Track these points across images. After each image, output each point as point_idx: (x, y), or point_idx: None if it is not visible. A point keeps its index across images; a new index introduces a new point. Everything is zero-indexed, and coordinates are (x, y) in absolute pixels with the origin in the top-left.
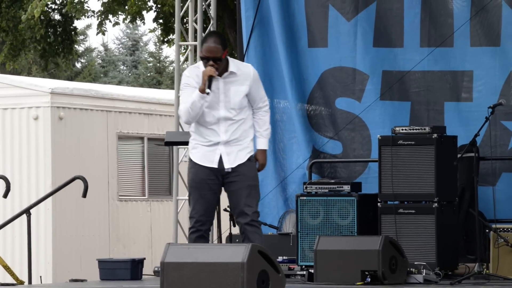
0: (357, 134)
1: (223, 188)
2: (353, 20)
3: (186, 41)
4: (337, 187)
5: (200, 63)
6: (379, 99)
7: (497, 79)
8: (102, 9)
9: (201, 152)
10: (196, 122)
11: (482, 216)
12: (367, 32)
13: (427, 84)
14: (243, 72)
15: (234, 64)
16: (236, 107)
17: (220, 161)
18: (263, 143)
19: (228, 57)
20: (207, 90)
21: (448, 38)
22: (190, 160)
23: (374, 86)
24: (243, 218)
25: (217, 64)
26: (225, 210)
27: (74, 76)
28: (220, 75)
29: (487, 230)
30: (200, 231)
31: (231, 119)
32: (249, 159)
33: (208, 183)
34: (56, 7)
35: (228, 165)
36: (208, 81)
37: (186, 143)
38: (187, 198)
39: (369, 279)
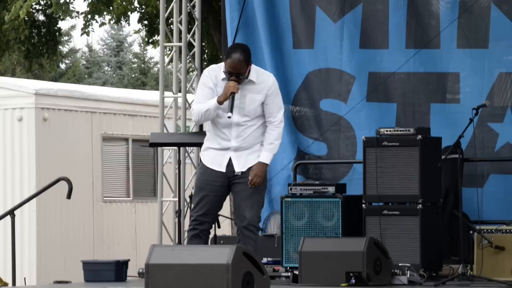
0: (343, 136)
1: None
2: (340, 21)
3: (171, 42)
4: (322, 188)
5: (222, 64)
6: (365, 101)
7: (485, 81)
8: (87, 9)
9: (211, 155)
10: (212, 124)
11: (466, 217)
12: (354, 34)
13: (412, 86)
14: (262, 81)
15: (254, 71)
16: (250, 115)
17: (229, 165)
18: (264, 156)
19: (252, 65)
20: (229, 114)
21: (433, 39)
22: (200, 161)
23: (360, 88)
24: (241, 221)
25: (240, 80)
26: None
27: (58, 77)
28: (239, 82)
29: (471, 232)
30: (195, 230)
31: (243, 125)
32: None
33: (214, 185)
34: (40, 7)
35: (238, 168)
36: (230, 100)
37: (171, 145)
38: (172, 199)
39: (353, 281)
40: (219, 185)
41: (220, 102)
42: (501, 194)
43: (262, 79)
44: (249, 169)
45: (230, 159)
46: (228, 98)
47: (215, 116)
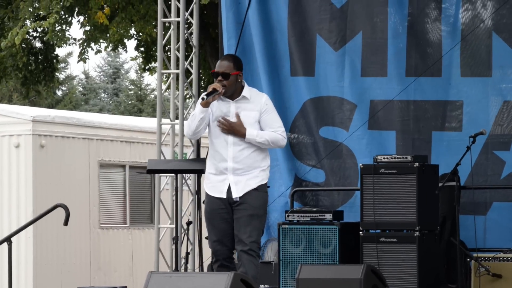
0: (344, 163)
1: None
2: (341, 50)
3: (168, 69)
4: (319, 215)
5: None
6: (367, 128)
7: (489, 109)
8: (84, 37)
9: (212, 182)
10: (210, 146)
11: (463, 245)
12: (355, 62)
13: (413, 114)
14: (255, 99)
15: (248, 90)
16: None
17: (229, 191)
18: (250, 130)
19: (245, 84)
20: (203, 96)
21: (433, 68)
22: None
23: (362, 116)
24: (241, 246)
25: (226, 81)
26: (206, 238)
27: (55, 103)
28: (232, 98)
29: (468, 259)
30: (218, 261)
31: (240, 145)
32: (256, 189)
33: (219, 212)
34: (37, 34)
35: (236, 194)
36: (210, 92)
37: (168, 171)
38: (169, 226)
39: None
40: (224, 211)
41: (202, 105)
42: (504, 222)
43: (256, 96)
44: (247, 193)
45: (229, 185)
46: (210, 95)
47: (200, 121)
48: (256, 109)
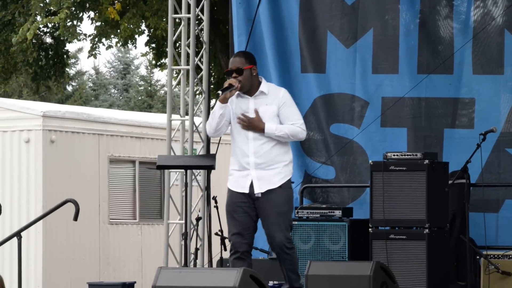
0: (355, 160)
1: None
2: (352, 47)
3: (178, 65)
4: (329, 212)
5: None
6: (379, 126)
7: (501, 107)
8: (95, 32)
9: (235, 178)
10: (232, 143)
11: (472, 242)
12: (366, 59)
13: (424, 111)
14: (273, 93)
15: (266, 85)
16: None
17: (251, 186)
18: (269, 124)
19: (263, 80)
20: (218, 92)
21: (445, 65)
22: (227, 187)
23: (374, 113)
24: (273, 244)
25: (241, 77)
26: (216, 234)
27: (65, 99)
28: (251, 94)
29: (477, 257)
30: (237, 253)
31: (260, 140)
32: (280, 186)
33: (240, 205)
34: (48, 30)
35: (257, 189)
36: (226, 88)
37: (178, 167)
38: (178, 222)
39: None
40: (246, 205)
41: (220, 101)
42: None
43: (274, 91)
44: (271, 191)
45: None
46: (226, 90)
47: (220, 117)
48: (274, 103)
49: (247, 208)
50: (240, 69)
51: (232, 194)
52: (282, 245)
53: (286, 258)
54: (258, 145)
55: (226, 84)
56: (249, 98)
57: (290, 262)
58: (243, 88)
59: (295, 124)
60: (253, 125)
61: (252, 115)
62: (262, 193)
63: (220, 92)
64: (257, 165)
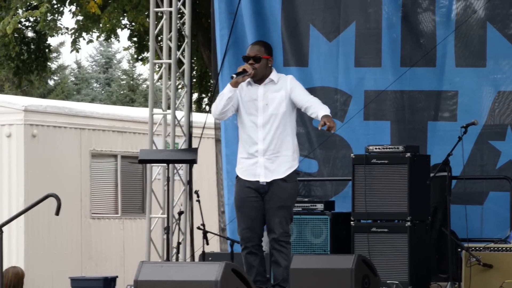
0: (338, 154)
1: None
2: (335, 40)
3: (160, 59)
4: (311, 205)
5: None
6: (362, 119)
7: (484, 99)
8: (76, 26)
9: (244, 166)
10: (240, 131)
11: (454, 235)
12: (349, 52)
13: (408, 104)
14: (281, 80)
15: (275, 74)
16: (274, 113)
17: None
18: (323, 111)
19: (274, 71)
20: (233, 75)
21: (428, 58)
22: (236, 176)
23: (357, 106)
24: (271, 235)
25: (257, 64)
26: (198, 228)
27: (47, 93)
28: (260, 83)
29: (459, 249)
30: (247, 248)
31: (269, 127)
32: (284, 180)
33: (248, 200)
34: (29, 24)
35: (263, 178)
36: (240, 72)
37: (160, 161)
38: (160, 216)
39: None
40: (254, 199)
41: (232, 84)
42: (501, 211)
43: (282, 78)
44: (276, 184)
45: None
46: (240, 75)
47: (228, 100)
48: (283, 88)
49: (255, 202)
50: (259, 57)
51: (240, 188)
52: (279, 239)
53: (282, 251)
54: (267, 132)
55: (240, 69)
56: (258, 86)
57: (285, 256)
58: (256, 76)
59: (315, 100)
60: (331, 124)
61: (261, 102)
62: (268, 183)
63: (234, 75)
64: (265, 152)
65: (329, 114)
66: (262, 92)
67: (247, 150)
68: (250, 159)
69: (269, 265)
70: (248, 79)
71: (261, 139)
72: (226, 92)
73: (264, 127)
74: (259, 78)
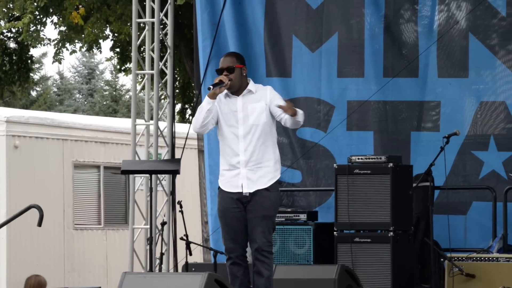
0: (321, 164)
1: None
2: (317, 51)
3: (143, 70)
4: (294, 216)
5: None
6: (345, 130)
7: (467, 110)
8: (58, 37)
9: (226, 178)
10: (220, 143)
11: (437, 245)
12: (331, 63)
13: (390, 114)
14: (260, 91)
15: (253, 85)
16: (255, 123)
17: (243, 186)
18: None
19: (251, 81)
20: (209, 86)
21: (409, 68)
22: (218, 187)
23: (340, 117)
24: (253, 245)
25: (231, 75)
26: (181, 238)
27: (29, 104)
28: (238, 94)
29: (442, 259)
30: (231, 259)
31: (250, 137)
32: (267, 189)
33: (231, 211)
34: (11, 35)
35: (246, 189)
36: (216, 83)
37: (143, 172)
38: (143, 227)
39: None
40: (236, 210)
41: (209, 96)
42: (484, 221)
43: (261, 89)
44: (259, 194)
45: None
46: (216, 86)
47: (207, 113)
48: (263, 99)
49: (237, 213)
50: (232, 67)
51: (223, 199)
52: (261, 249)
53: (265, 261)
54: (247, 143)
55: (216, 80)
56: (237, 98)
57: (268, 266)
58: (233, 87)
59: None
60: (291, 106)
61: (240, 113)
62: (250, 193)
63: (210, 87)
64: (247, 163)
65: (297, 111)
66: (241, 103)
67: (228, 162)
68: (232, 170)
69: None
70: (226, 91)
71: (242, 150)
72: (205, 105)
73: (245, 138)
74: (236, 89)
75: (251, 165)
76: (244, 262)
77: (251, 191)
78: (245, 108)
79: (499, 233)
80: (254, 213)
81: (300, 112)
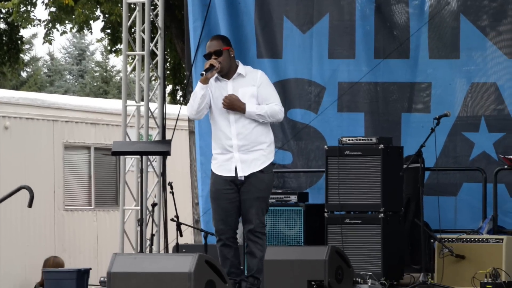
0: (312, 145)
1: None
2: (308, 32)
3: (133, 51)
4: (284, 197)
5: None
6: (336, 111)
7: (458, 91)
8: (49, 18)
9: (219, 162)
10: (213, 127)
11: (427, 226)
12: (322, 44)
13: (381, 96)
14: (251, 75)
15: (243, 68)
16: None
17: (236, 169)
18: (250, 104)
19: (240, 63)
20: (202, 72)
21: (400, 50)
22: (211, 171)
23: (331, 98)
24: (247, 226)
25: (220, 58)
26: (172, 220)
27: (19, 85)
28: (229, 77)
29: (432, 240)
30: (222, 240)
31: (243, 121)
32: (261, 171)
33: (224, 192)
34: (1, 15)
35: (241, 173)
36: (208, 68)
37: (133, 153)
38: (134, 208)
39: None
40: (229, 192)
41: (201, 81)
42: (474, 203)
43: (251, 72)
44: (253, 175)
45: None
46: (208, 71)
47: (201, 98)
48: (253, 84)
49: (230, 194)
50: (219, 50)
51: (216, 180)
52: (255, 230)
53: (258, 242)
54: (240, 127)
55: (207, 65)
56: (227, 81)
57: (261, 247)
58: (223, 70)
59: (272, 103)
60: (235, 105)
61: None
62: (245, 176)
63: (203, 72)
64: (240, 147)
65: (246, 108)
66: (232, 87)
67: (221, 146)
68: (225, 154)
69: (244, 256)
70: (216, 75)
71: (234, 134)
72: (198, 91)
73: (237, 122)
74: (226, 72)
75: (244, 149)
76: (234, 244)
77: (246, 174)
78: (236, 92)
79: (489, 214)
80: (249, 194)
81: (251, 110)
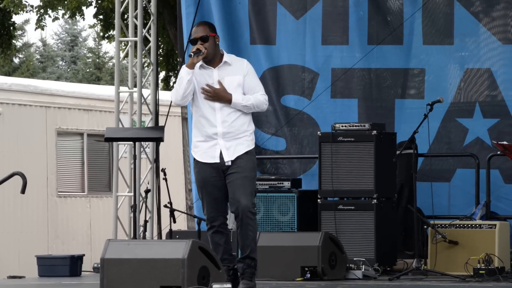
0: (306, 132)
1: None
2: (302, 18)
3: (126, 37)
4: (278, 183)
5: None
6: (330, 97)
7: (452, 77)
8: (41, 4)
9: (202, 149)
10: (195, 114)
11: (420, 212)
12: (316, 30)
13: (375, 82)
14: (237, 64)
15: (228, 56)
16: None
17: (221, 156)
18: (236, 95)
19: (224, 52)
20: (190, 53)
21: (394, 36)
22: (194, 159)
23: (324, 84)
24: (238, 206)
25: (206, 44)
26: (165, 206)
27: (12, 71)
28: (214, 65)
29: (425, 226)
30: (214, 227)
31: (228, 109)
32: (247, 152)
33: (211, 180)
34: None
35: (227, 158)
36: (194, 52)
37: (126, 139)
38: (127, 194)
39: (308, 275)
40: (216, 179)
41: (188, 66)
42: (468, 188)
43: (237, 61)
44: (238, 158)
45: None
46: (195, 55)
47: (187, 84)
48: (239, 73)
49: (217, 182)
50: (206, 36)
51: (200, 169)
52: (247, 210)
53: (250, 223)
54: (225, 115)
55: (194, 49)
56: (213, 69)
57: (252, 228)
58: (209, 56)
59: (258, 92)
60: (220, 95)
61: (216, 86)
62: (232, 161)
63: (191, 54)
64: (225, 135)
65: (232, 99)
66: (217, 75)
67: (204, 133)
68: (208, 141)
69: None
70: (201, 62)
71: (220, 122)
72: (184, 76)
73: (222, 110)
74: (211, 58)
75: (228, 137)
76: (226, 230)
77: (232, 158)
78: (222, 80)
79: (482, 200)
80: (236, 175)
81: (238, 102)
